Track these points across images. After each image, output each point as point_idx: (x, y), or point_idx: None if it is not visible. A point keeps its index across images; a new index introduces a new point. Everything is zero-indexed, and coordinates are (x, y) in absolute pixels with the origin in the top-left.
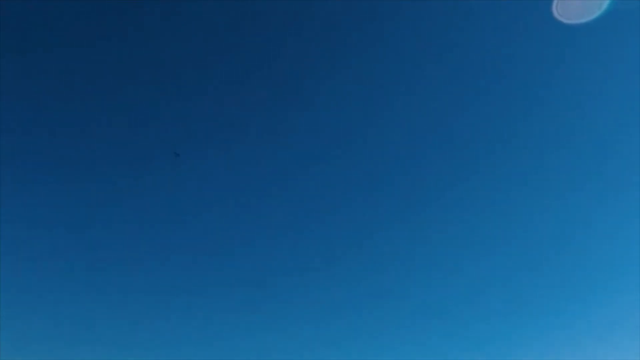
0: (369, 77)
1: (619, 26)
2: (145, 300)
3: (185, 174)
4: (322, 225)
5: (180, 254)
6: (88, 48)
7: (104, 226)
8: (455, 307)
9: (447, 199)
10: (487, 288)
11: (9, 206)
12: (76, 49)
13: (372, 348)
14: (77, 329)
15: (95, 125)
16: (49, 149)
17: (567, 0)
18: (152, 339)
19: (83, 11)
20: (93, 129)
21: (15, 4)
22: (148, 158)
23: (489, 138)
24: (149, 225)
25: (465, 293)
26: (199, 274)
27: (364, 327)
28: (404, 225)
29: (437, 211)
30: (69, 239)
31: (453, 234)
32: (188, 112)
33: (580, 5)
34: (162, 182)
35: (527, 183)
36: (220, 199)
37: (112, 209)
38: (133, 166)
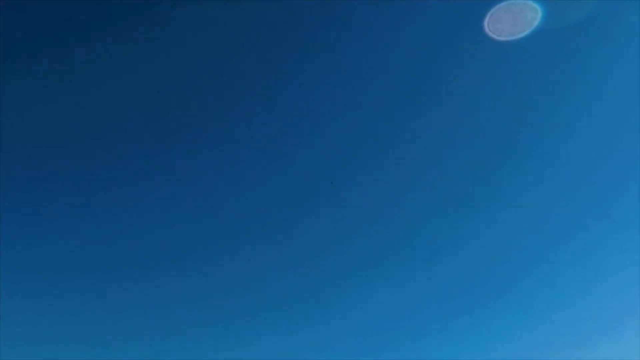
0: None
1: (550, 43)
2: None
3: (175, 179)
4: (311, 224)
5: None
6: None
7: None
8: (451, 306)
9: (438, 200)
10: (482, 287)
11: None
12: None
13: (368, 349)
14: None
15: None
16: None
17: (499, 17)
18: (151, 341)
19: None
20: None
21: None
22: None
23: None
24: (146, 226)
25: (459, 292)
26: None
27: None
28: (398, 225)
29: (429, 211)
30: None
31: (444, 235)
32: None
33: (511, 22)
34: (159, 182)
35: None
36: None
37: (114, 212)
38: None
